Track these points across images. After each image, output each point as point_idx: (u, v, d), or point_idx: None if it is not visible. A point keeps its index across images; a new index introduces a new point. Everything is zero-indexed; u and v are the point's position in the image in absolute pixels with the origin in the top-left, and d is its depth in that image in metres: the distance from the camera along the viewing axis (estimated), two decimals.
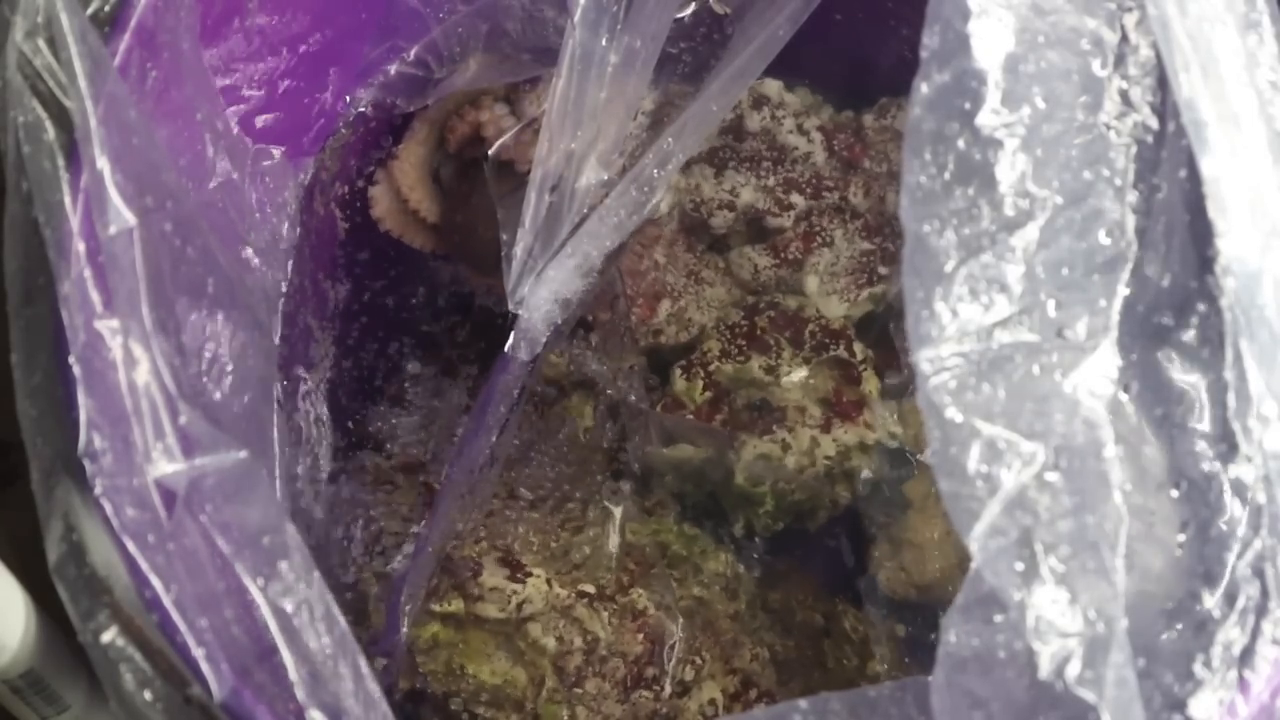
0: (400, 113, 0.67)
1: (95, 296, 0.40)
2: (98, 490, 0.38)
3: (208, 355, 0.44)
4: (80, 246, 0.40)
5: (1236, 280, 0.38)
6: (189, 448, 0.40)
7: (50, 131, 0.41)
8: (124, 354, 0.40)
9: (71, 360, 0.39)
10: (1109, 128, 0.39)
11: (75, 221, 0.40)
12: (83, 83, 0.40)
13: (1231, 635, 0.37)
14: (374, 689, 0.39)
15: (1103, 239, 0.38)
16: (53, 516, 0.40)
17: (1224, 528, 0.38)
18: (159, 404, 0.40)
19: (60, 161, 0.41)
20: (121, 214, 0.40)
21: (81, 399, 0.39)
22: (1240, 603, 0.38)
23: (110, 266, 0.40)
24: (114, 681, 0.39)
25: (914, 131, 0.37)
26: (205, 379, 0.44)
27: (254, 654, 0.39)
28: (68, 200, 0.41)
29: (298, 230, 0.62)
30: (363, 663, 0.39)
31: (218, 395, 0.44)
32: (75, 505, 0.39)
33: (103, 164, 0.40)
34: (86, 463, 0.38)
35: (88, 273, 0.40)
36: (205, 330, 0.44)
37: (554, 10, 0.64)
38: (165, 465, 0.39)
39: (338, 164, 0.66)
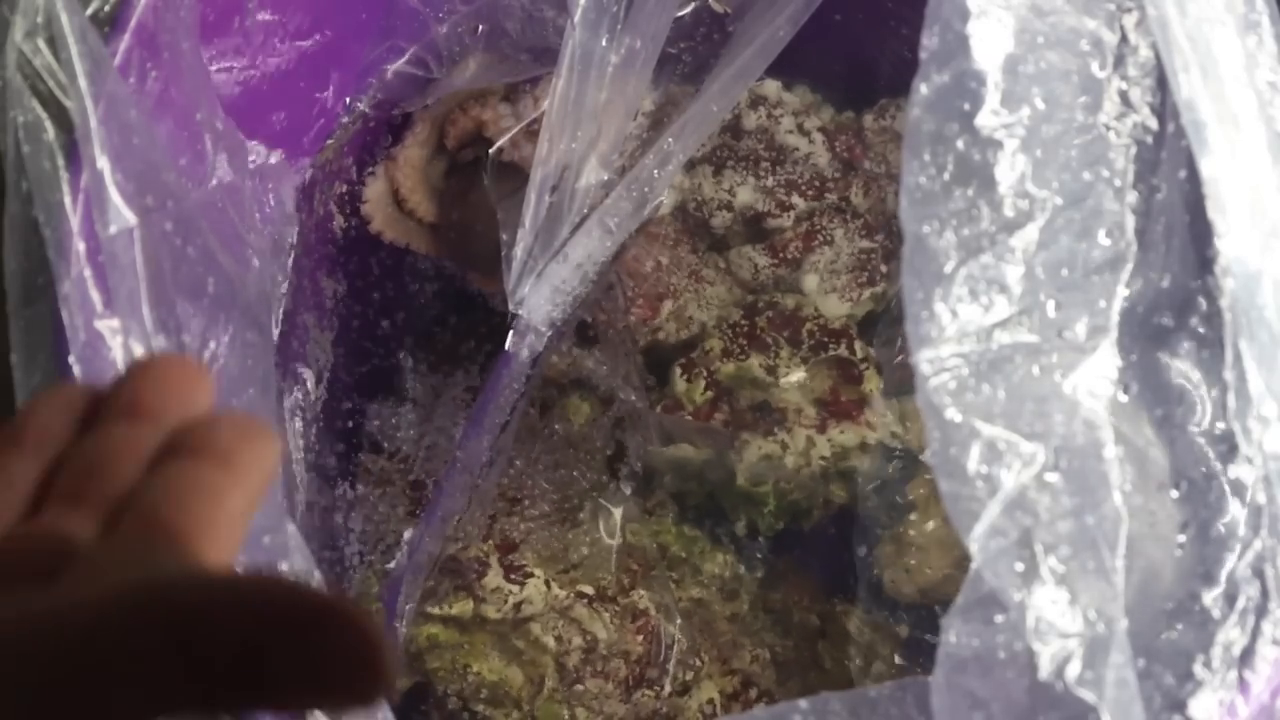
0: (400, 113, 0.67)
1: (95, 296, 0.40)
2: None
3: (208, 355, 0.44)
4: (80, 246, 0.40)
5: (1236, 280, 0.38)
6: None
7: (50, 131, 0.41)
8: (124, 354, 0.40)
9: (71, 360, 0.39)
10: (1109, 128, 0.39)
11: (75, 221, 0.40)
12: (83, 83, 0.40)
13: (1231, 635, 0.37)
14: None
15: (1103, 239, 0.38)
16: None
17: (1224, 528, 0.38)
18: None
19: (60, 161, 0.41)
20: (122, 214, 0.40)
21: None
22: (1240, 603, 0.38)
23: (110, 266, 0.40)
24: None
25: (913, 132, 0.37)
26: None
27: None
28: (67, 200, 0.41)
29: (297, 230, 0.62)
30: None
31: (218, 395, 0.44)
32: None
33: (103, 164, 0.40)
34: None
35: (88, 272, 0.40)
36: (205, 330, 0.44)
37: (554, 10, 0.64)
38: None
39: (337, 164, 0.66)
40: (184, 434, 0.27)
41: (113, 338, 0.40)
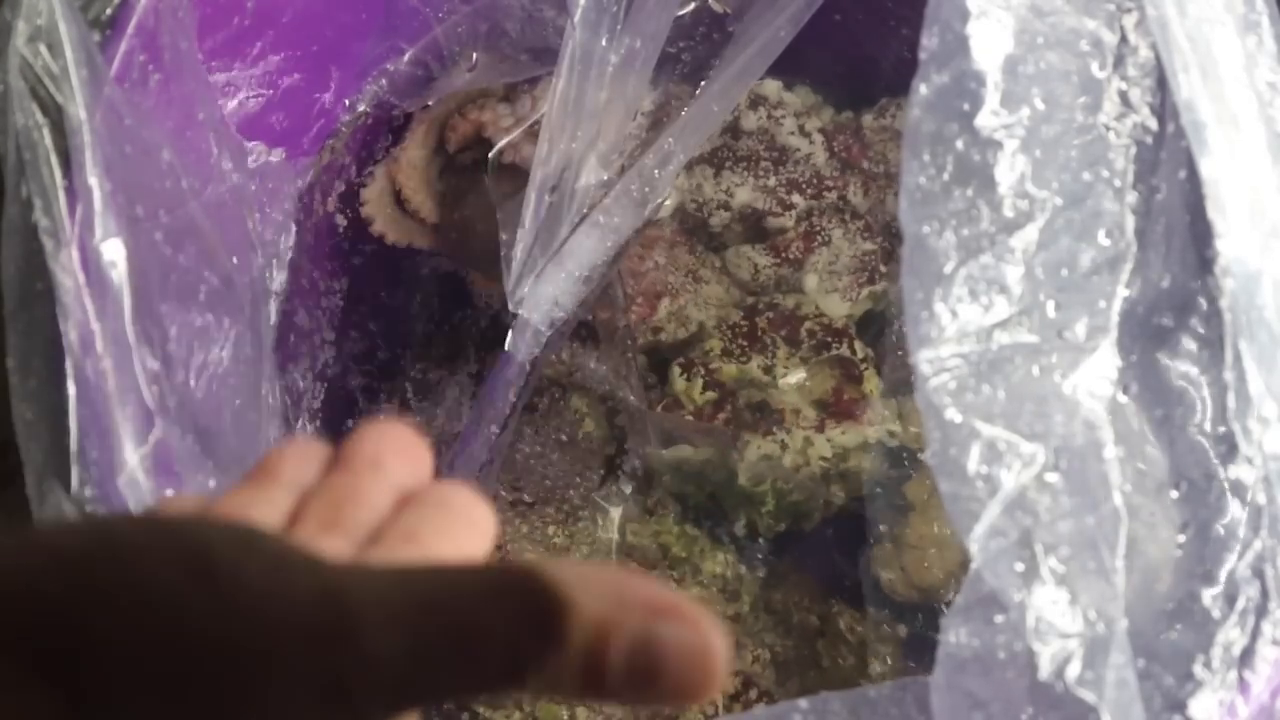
0: (400, 113, 0.67)
1: (89, 305, 0.40)
2: (87, 495, 0.38)
3: (197, 363, 0.44)
4: (75, 254, 0.40)
5: (1236, 281, 0.38)
6: (164, 462, 0.40)
7: (49, 137, 0.41)
8: (109, 365, 0.40)
9: (67, 366, 0.39)
10: (1108, 129, 0.39)
11: (71, 228, 0.40)
12: (77, 94, 0.40)
13: (1231, 635, 0.37)
14: None
15: (1102, 240, 0.38)
16: (46, 519, 0.40)
17: (1224, 528, 0.39)
18: (136, 418, 0.40)
19: (58, 167, 0.41)
20: (109, 226, 0.40)
21: (72, 407, 0.39)
22: (1240, 603, 0.38)
23: (95, 278, 0.40)
24: None
25: (913, 132, 0.37)
26: (193, 386, 0.44)
27: None
28: (64, 206, 0.41)
29: (296, 230, 0.62)
30: None
31: (206, 401, 0.44)
32: (67, 510, 0.39)
33: (93, 178, 0.40)
34: (75, 469, 0.39)
35: (81, 279, 0.40)
36: (195, 338, 0.44)
37: (554, 10, 0.64)
38: (140, 479, 0.39)
39: (337, 164, 0.66)
40: (417, 493, 0.30)
41: (101, 347, 0.40)
